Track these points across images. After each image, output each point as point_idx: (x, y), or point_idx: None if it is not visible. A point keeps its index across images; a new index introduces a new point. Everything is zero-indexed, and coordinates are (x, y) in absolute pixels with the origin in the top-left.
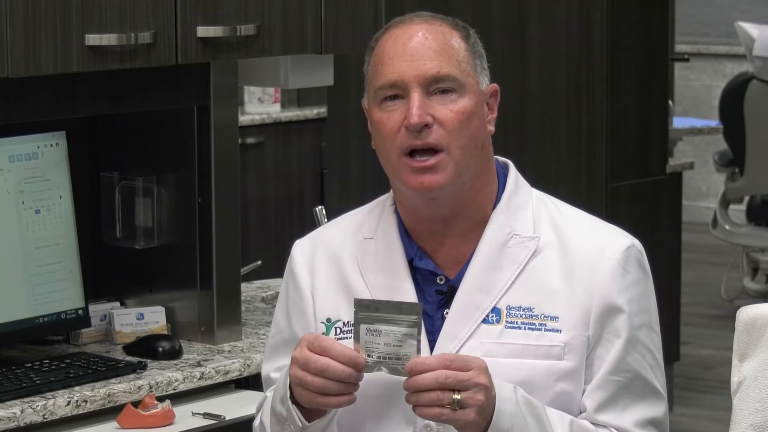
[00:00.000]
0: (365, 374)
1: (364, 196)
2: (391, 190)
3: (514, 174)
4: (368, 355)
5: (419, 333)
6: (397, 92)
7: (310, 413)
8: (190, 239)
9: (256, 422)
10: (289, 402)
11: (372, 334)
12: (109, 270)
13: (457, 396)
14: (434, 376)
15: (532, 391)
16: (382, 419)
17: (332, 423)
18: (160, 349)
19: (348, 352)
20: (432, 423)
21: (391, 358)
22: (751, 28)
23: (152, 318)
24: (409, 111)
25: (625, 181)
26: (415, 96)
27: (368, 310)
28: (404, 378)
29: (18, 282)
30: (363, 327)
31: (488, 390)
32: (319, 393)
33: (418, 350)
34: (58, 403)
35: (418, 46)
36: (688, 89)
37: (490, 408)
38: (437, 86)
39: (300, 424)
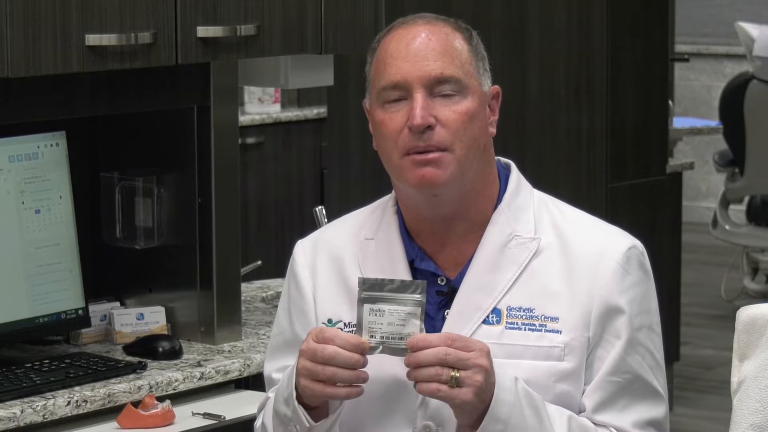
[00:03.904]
0: (367, 370)
1: (364, 196)
2: (393, 191)
3: (515, 175)
4: (371, 336)
5: (423, 312)
6: (400, 93)
7: (315, 413)
8: (190, 239)
9: (258, 423)
10: (295, 402)
11: (375, 314)
12: (109, 270)
13: (456, 374)
14: (434, 352)
15: None
16: (384, 420)
17: (336, 424)
18: (160, 349)
19: (351, 339)
20: (431, 423)
21: (394, 337)
22: (751, 29)
23: (152, 318)
24: (412, 112)
25: (625, 181)
26: (419, 97)
27: (371, 290)
28: (408, 362)
29: (18, 282)
30: (366, 307)
31: (488, 373)
32: (329, 382)
33: (421, 329)
34: (58, 403)
35: (422, 47)
36: (688, 89)
37: (488, 392)
38: (440, 87)
39: (307, 424)
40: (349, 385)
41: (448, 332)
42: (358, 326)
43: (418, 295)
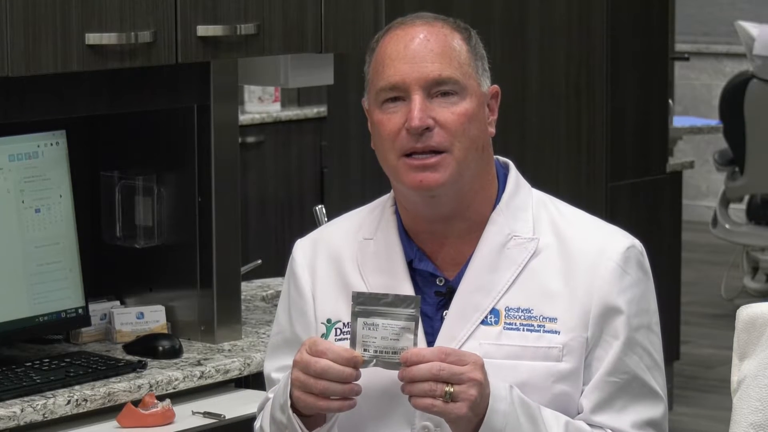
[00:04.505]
0: (363, 373)
1: (364, 195)
2: (392, 191)
3: (514, 175)
4: (364, 350)
5: (417, 326)
6: (399, 94)
7: (311, 421)
8: (190, 238)
9: (257, 424)
10: (290, 410)
11: (369, 328)
12: (109, 269)
13: (450, 389)
14: (428, 367)
15: (530, 392)
16: (382, 421)
17: (332, 430)
18: (160, 348)
19: (344, 352)
20: (430, 424)
21: (388, 352)
22: (751, 28)
23: (152, 317)
24: (411, 114)
25: (625, 180)
26: (417, 99)
27: (365, 304)
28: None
29: (18, 281)
30: (360, 321)
31: (482, 386)
32: (321, 396)
33: (415, 344)
34: (58, 402)
35: (420, 48)
36: (688, 88)
37: (483, 405)
38: (438, 89)
39: None
40: (342, 398)
41: (442, 346)
42: (352, 340)
43: (412, 310)
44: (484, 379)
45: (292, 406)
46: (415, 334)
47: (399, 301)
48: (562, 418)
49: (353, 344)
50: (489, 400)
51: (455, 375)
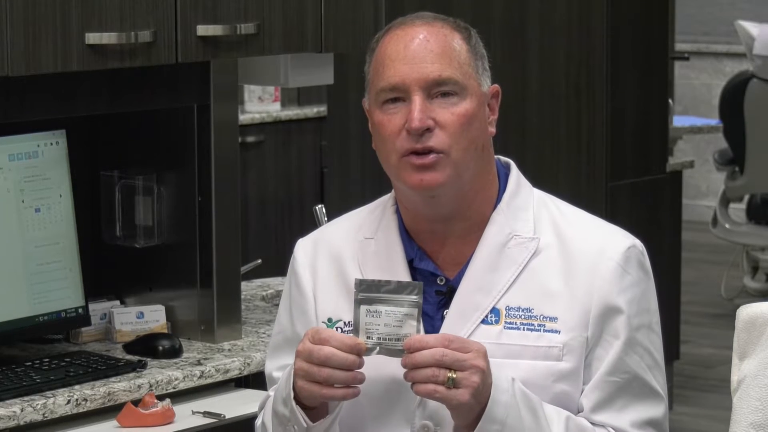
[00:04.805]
0: (366, 370)
1: (364, 195)
2: (393, 191)
3: (515, 174)
4: (367, 337)
5: (420, 313)
6: (399, 95)
7: (313, 414)
8: (190, 238)
9: (258, 422)
10: (293, 402)
11: (372, 316)
12: (109, 269)
13: (453, 375)
14: (431, 353)
15: (530, 391)
16: (382, 419)
17: (335, 423)
18: (160, 347)
19: (347, 340)
20: (429, 423)
21: (391, 338)
22: (751, 27)
23: (152, 317)
24: (411, 115)
25: (625, 179)
26: (417, 99)
27: (368, 291)
28: (405, 361)
29: (18, 281)
30: (363, 308)
31: (485, 374)
32: (325, 383)
33: (418, 330)
34: (58, 402)
35: (420, 49)
36: (688, 88)
37: (485, 393)
38: (439, 89)
39: (304, 425)
40: (346, 386)
41: (445, 333)
42: (355, 327)
43: (414, 296)
44: (487, 368)
45: (295, 398)
46: (419, 321)
47: (401, 287)
48: (563, 413)
49: (356, 332)
50: (491, 390)
51: (458, 361)
